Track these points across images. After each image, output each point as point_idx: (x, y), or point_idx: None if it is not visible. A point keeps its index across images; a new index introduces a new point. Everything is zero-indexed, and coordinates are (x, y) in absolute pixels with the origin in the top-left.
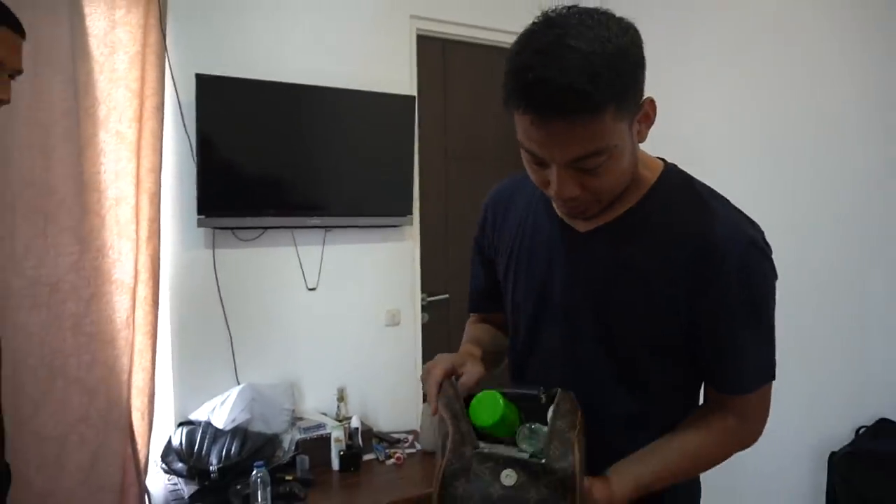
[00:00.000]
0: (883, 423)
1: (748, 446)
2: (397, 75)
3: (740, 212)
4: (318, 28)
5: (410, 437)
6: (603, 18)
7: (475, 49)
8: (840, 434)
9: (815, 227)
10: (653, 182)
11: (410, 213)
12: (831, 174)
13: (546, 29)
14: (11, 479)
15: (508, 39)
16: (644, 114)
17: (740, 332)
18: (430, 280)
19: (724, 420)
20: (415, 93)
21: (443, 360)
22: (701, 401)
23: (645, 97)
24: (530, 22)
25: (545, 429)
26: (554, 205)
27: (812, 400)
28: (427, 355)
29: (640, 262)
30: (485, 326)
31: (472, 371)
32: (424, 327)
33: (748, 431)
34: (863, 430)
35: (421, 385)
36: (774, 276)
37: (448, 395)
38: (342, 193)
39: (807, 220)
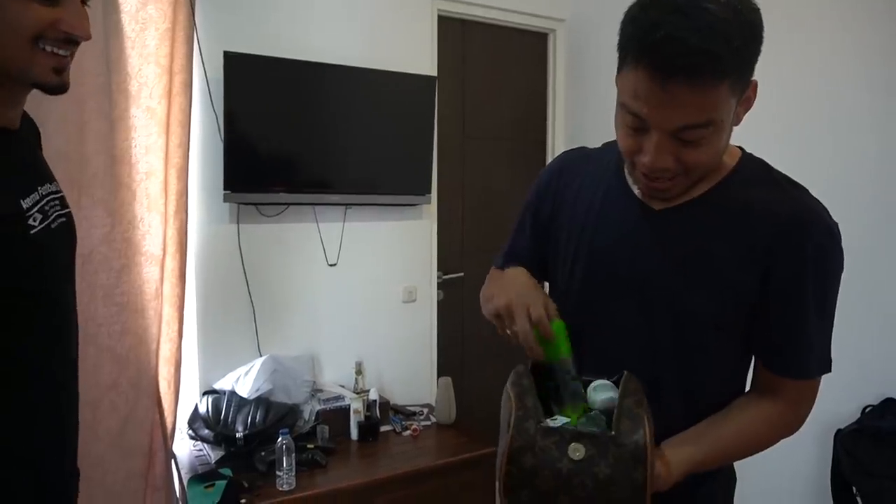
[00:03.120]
0: (889, 402)
1: (793, 433)
2: (418, 55)
3: (818, 200)
4: (342, 8)
5: (426, 410)
6: None
7: (494, 30)
8: (846, 413)
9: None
10: (732, 166)
11: (428, 191)
12: (843, 159)
13: None
14: (79, 483)
15: (526, 21)
16: (746, 96)
17: (810, 316)
18: (446, 258)
19: (776, 405)
20: (435, 73)
21: (521, 302)
22: (747, 385)
23: (752, 79)
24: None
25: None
26: (631, 180)
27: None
28: (442, 332)
29: (716, 242)
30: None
31: (549, 303)
32: (440, 304)
33: (797, 418)
34: (869, 409)
35: (435, 359)
36: (842, 267)
37: (518, 371)
38: (362, 171)
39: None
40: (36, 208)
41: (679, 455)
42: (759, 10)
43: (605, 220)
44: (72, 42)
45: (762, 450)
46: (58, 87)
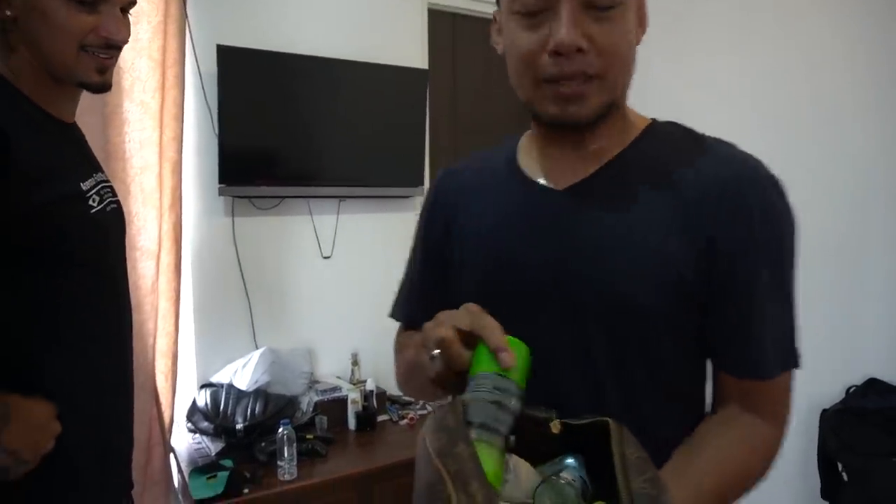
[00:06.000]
0: (872, 382)
1: (778, 449)
2: (409, 49)
3: (750, 154)
4: (334, 2)
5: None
6: None
7: (485, 23)
8: (831, 393)
9: (810, 194)
10: (643, 127)
11: (422, 183)
12: (830, 145)
13: None
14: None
15: None
16: (641, 15)
17: (761, 283)
18: None
19: (747, 418)
20: (426, 66)
21: (450, 319)
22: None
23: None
24: None
25: (567, 471)
26: (541, 91)
27: (805, 361)
28: None
29: (637, 212)
30: None
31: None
32: None
33: (777, 428)
34: (853, 388)
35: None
36: (794, 219)
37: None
38: (356, 164)
39: (802, 188)
40: (93, 191)
41: None
42: None
43: (504, 220)
44: (112, 46)
45: (750, 481)
46: (100, 86)
